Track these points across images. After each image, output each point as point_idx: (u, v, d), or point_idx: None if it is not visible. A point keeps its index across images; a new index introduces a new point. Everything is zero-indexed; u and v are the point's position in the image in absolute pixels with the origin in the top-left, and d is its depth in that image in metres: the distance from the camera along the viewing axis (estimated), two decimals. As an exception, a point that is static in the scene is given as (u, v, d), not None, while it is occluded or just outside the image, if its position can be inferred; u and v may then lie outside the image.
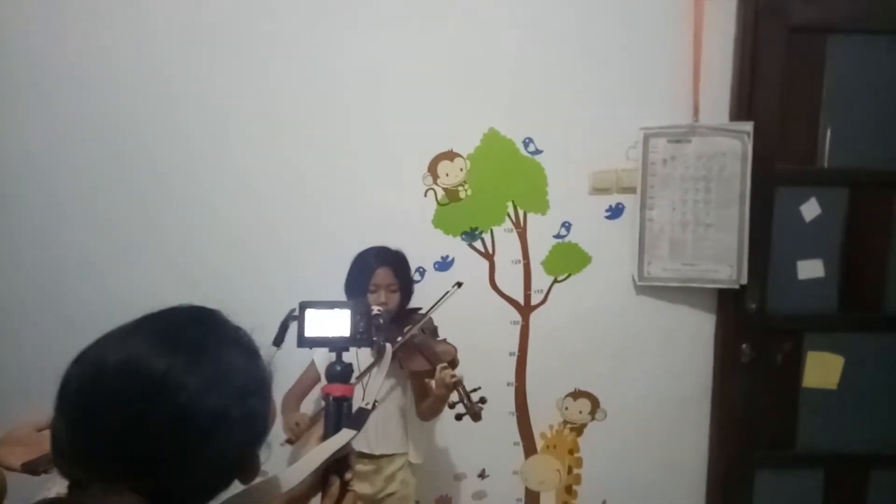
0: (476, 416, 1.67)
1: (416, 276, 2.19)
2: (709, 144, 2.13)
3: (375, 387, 1.83)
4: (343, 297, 1.99)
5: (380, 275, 1.88)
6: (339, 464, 0.92)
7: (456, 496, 2.33)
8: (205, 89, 2.16)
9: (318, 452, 0.88)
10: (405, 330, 1.85)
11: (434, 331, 1.94)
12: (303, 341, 1.00)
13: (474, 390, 1.72)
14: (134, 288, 2.15)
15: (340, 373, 0.99)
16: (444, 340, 1.91)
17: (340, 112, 2.16)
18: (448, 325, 2.02)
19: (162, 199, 2.21)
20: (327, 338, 1.00)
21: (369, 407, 1.00)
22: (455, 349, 1.86)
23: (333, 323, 0.99)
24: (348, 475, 0.93)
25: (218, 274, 2.20)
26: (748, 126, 2.11)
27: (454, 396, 1.71)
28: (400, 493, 1.94)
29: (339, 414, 0.96)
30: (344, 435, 0.93)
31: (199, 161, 2.19)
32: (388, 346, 1.11)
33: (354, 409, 0.99)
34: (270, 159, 2.18)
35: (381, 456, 1.92)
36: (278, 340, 1.00)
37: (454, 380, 1.68)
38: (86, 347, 0.68)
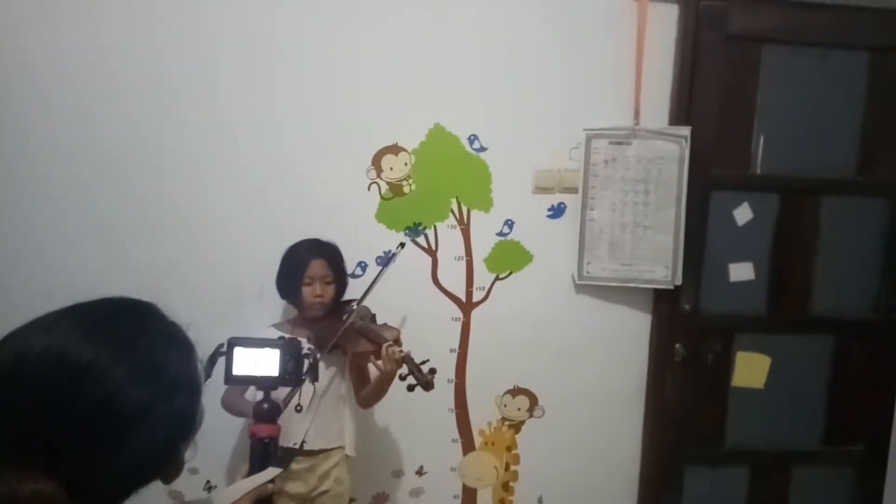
0: (428, 385, 1.68)
1: (358, 271, 2.17)
2: (648, 147, 2.18)
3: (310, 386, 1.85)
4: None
5: (314, 266, 1.86)
6: (265, 502, 0.93)
7: (393, 493, 2.31)
8: (148, 73, 2.08)
9: (242, 485, 0.88)
10: (343, 318, 1.83)
11: (373, 317, 1.93)
12: (230, 378, 1.00)
13: (423, 362, 1.72)
14: (73, 275, 2.06)
15: (267, 412, 1.00)
16: (385, 324, 1.91)
17: (284, 101, 2.11)
18: (389, 320, 2.01)
19: (105, 185, 2.12)
20: (255, 377, 0.99)
21: (296, 446, 1.01)
22: (398, 329, 1.86)
23: (262, 362, 0.99)
24: (271, 486, 0.93)
25: (158, 263, 2.13)
26: (686, 131, 2.17)
27: (405, 370, 1.71)
28: (334, 491, 1.91)
29: (266, 454, 0.98)
30: (269, 473, 0.93)
31: (142, 147, 2.11)
32: (317, 384, 1.11)
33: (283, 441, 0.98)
34: (212, 147, 2.12)
35: (319, 452, 1.89)
36: (205, 374, 0.99)
37: (402, 353, 1.68)
38: (10, 332, 0.65)
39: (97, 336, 0.64)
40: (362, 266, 2.18)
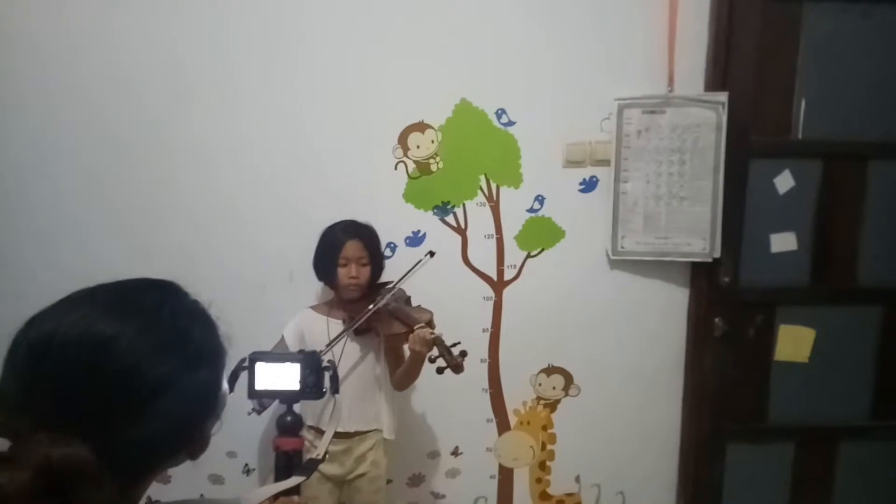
0: (458, 368, 1.66)
1: (388, 252, 2.14)
2: (683, 115, 2.10)
3: (344, 366, 1.84)
4: (313, 273, 1.94)
5: (349, 248, 1.83)
6: (287, 493, 0.96)
7: (429, 474, 2.30)
8: (164, 59, 2.07)
9: (268, 489, 0.92)
10: (379, 299, 1.82)
11: (407, 300, 1.92)
12: (253, 393, 1.02)
13: (454, 345, 1.69)
14: (90, 260, 2.07)
15: (290, 425, 1.01)
16: (419, 306, 1.88)
17: (307, 82, 2.09)
18: (420, 301, 1.98)
19: (121, 171, 2.12)
20: (277, 391, 1.00)
21: (320, 457, 1.00)
22: (431, 311, 1.84)
23: (283, 376, 1.00)
24: (297, 498, 0.96)
25: (185, 251, 2.13)
26: (723, 97, 2.08)
27: (435, 352, 1.69)
28: (371, 474, 1.91)
29: (290, 467, 0.99)
30: (293, 480, 0.97)
31: (159, 133, 2.10)
32: (338, 396, 1.11)
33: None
34: (233, 130, 2.10)
35: (354, 434, 1.88)
36: (228, 388, 0.99)
37: (433, 336, 1.66)
38: (41, 310, 0.68)
39: (122, 310, 0.66)
40: (391, 247, 2.15)
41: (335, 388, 1.05)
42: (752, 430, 2.31)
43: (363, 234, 1.87)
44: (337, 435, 1.87)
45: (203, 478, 2.25)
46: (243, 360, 1.01)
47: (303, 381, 1.01)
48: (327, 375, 1.04)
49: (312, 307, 1.95)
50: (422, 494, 2.30)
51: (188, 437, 0.71)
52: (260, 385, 1.01)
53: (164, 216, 2.14)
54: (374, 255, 1.89)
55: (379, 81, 2.08)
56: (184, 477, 2.06)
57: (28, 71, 2.07)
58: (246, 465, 2.27)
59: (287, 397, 1.02)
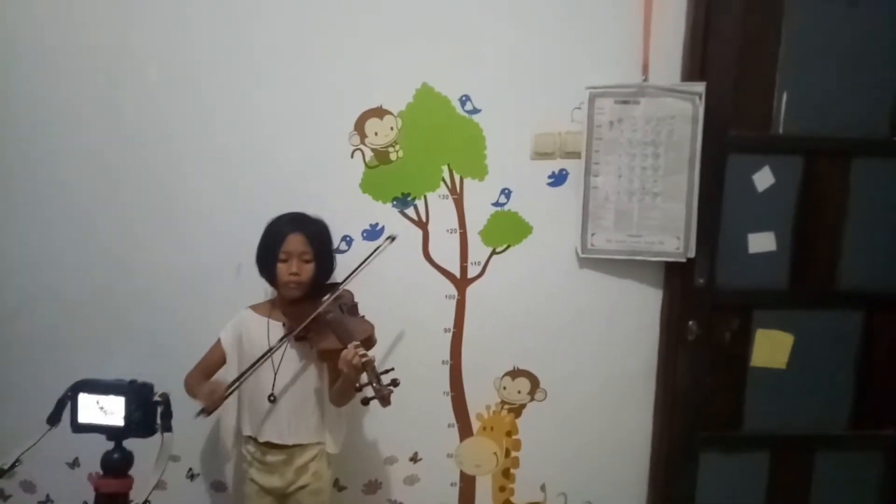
0: (384, 401, 1.52)
1: (343, 246, 2.02)
2: (658, 106, 1.98)
3: (285, 374, 1.71)
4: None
5: (291, 241, 1.69)
6: None
7: (386, 481, 2.18)
8: (118, 42, 1.95)
9: None
10: (320, 303, 1.68)
11: (353, 307, 1.77)
12: (76, 426, 0.87)
13: (386, 371, 1.56)
14: (41, 250, 1.96)
15: (115, 463, 0.86)
16: (363, 318, 1.74)
17: (259, 62, 1.96)
18: (378, 299, 1.87)
19: (74, 159, 2.01)
20: (101, 425, 0.86)
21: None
22: (372, 327, 1.70)
23: (108, 409, 0.87)
24: None
25: (130, 240, 2.03)
26: (700, 87, 1.97)
27: (364, 378, 1.55)
28: (313, 486, 1.77)
29: None
30: None
31: (112, 118, 1.99)
32: (169, 435, 0.96)
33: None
34: (185, 114, 1.98)
35: (294, 446, 1.76)
36: (53, 418, 0.87)
37: (363, 359, 1.52)
38: None
39: None
40: (347, 241, 2.03)
41: (166, 426, 0.91)
42: (726, 438, 2.21)
43: (309, 227, 1.73)
44: (276, 446, 1.75)
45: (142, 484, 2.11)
46: (69, 390, 0.88)
47: (127, 418, 0.88)
48: (159, 411, 0.90)
49: (252, 307, 1.82)
50: (379, 501, 2.18)
51: None
52: (83, 418, 0.88)
53: (111, 206, 2.02)
54: (320, 251, 1.74)
55: (335, 64, 1.96)
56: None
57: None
58: (190, 469, 2.14)
59: (112, 434, 0.88)
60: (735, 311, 2.13)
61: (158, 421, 0.89)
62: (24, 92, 1.98)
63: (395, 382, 1.54)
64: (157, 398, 0.90)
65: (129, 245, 2.01)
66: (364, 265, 1.76)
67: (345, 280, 1.74)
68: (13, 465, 0.83)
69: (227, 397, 1.65)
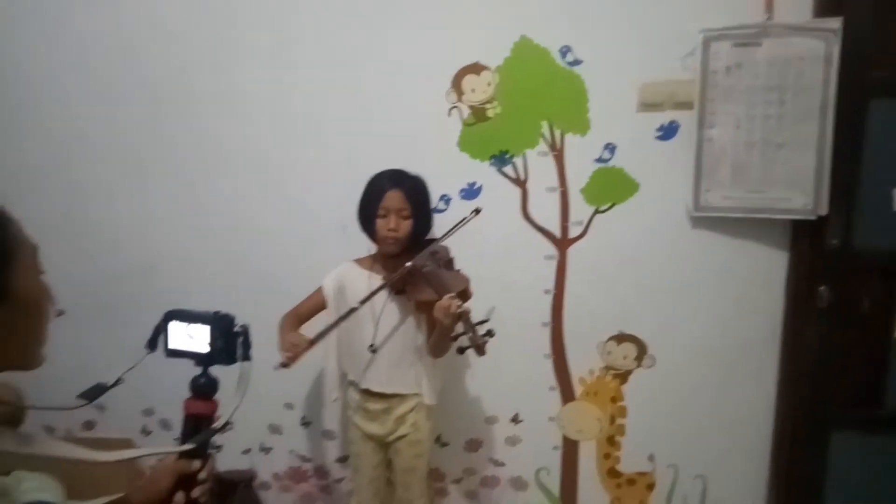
0: (479, 350, 1.53)
1: (441, 205, 2.03)
2: (784, 47, 1.79)
3: (385, 326, 1.76)
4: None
5: (390, 198, 1.72)
6: (189, 482, 0.92)
7: (488, 440, 2.19)
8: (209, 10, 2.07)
9: (132, 452, 0.88)
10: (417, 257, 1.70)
11: (449, 262, 1.78)
12: (167, 352, 0.96)
13: (481, 322, 1.55)
14: (147, 214, 2.19)
15: (202, 387, 0.92)
16: (459, 272, 1.75)
17: (355, 23, 2.00)
18: (475, 260, 1.86)
19: (158, 126, 2.19)
20: (189, 351, 0.95)
21: (218, 427, 0.93)
22: (468, 280, 1.69)
23: (195, 336, 0.94)
24: (196, 492, 0.91)
25: (236, 201, 2.17)
26: (835, 23, 1.74)
27: (460, 328, 1.56)
28: (411, 437, 1.82)
29: (197, 432, 0.93)
30: (168, 448, 0.92)
31: (196, 84, 2.13)
32: (248, 364, 1.00)
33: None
34: (278, 77, 2.08)
35: (393, 395, 1.81)
36: (151, 343, 0.95)
37: (459, 309, 1.53)
38: None
39: None
40: (445, 199, 2.04)
41: (244, 356, 0.96)
42: (863, 417, 1.97)
43: (406, 183, 1.75)
44: (376, 395, 1.81)
45: (263, 426, 2.29)
46: (163, 318, 0.96)
47: (212, 345, 0.94)
48: (239, 341, 0.96)
49: (356, 260, 1.88)
50: (480, 460, 2.21)
51: None
52: (173, 344, 0.96)
53: (218, 169, 2.17)
54: (418, 208, 1.75)
55: (430, 19, 1.95)
56: (243, 424, 2.13)
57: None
58: (303, 416, 2.28)
59: (199, 359, 0.95)
60: (876, 276, 1.89)
61: (239, 350, 0.96)
62: (151, 76, 2.17)
63: (490, 333, 1.54)
64: (237, 329, 0.96)
65: (244, 207, 2.16)
66: (451, 233, 1.73)
67: (441, 237, 1.74)
68: (116, 383, 0.93)
69: (309, 349, 1.69)
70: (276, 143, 2.12)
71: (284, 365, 1.67)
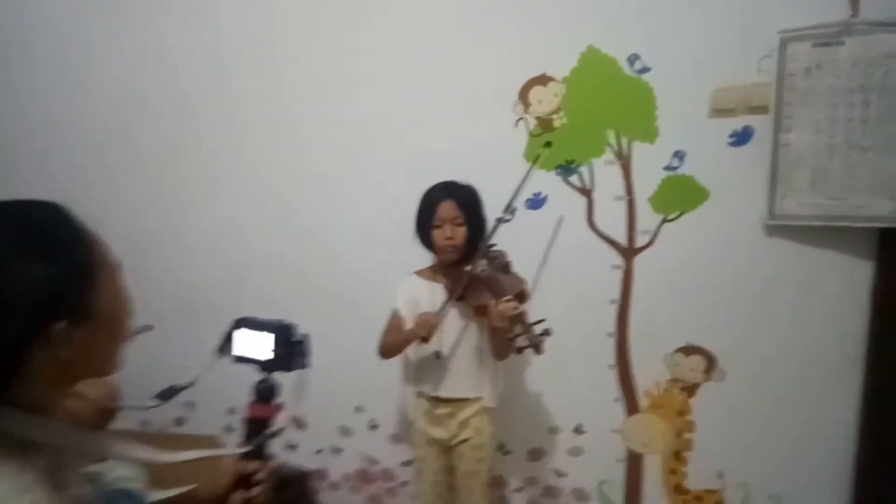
0: (537, 349, 1.58)
1: (507, 216, 2.02)
2: (869, 45, 1.69)
3: (448, 332, 1.80)
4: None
5: (444, 208, 1.78)
6: (247, 481, 0.94)
7: (551, 450, 2.18)
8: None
9: (196, 452, 0.89)
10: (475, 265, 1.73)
11: (506, 266, 1.80)
12: (231, 358, 1.01)
13: (538, 322, 1.58)
14: (227, 222, 2.30)
15: (264, 392, 0.97)
16: (515, 274, 1.77)
17: (423, 34, 2.03)
18: (540, 269, 1.85)
19: (245, 127, 2.31)
20: (252, 359, 0.99)
21: (274, 431, 0.96)
22: (524, 281, 1.72)
23: (258, 344, 0.98)
24: (255, 491, 0.93)
25: (315, 218, 2.26)
26: (927, 18, 1.63)
27: (518, 329, 1.60)
28: (474, 441, 1.85)
29: (257, 435, 0.96)
30: (229, 449, 0.95)
31: (288, 101, 2.23)
32: (306, 371, 1.04)
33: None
34: (354, 96, 2.15)
35: (457, 400, 1.84)
36: (221, 349, 1.01)
37: (515, 312, 1.55)
38: None
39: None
40: (511, 210, 2.03)
41: (302, 364, 0.99)
42: (958, 441, 1.84)
43: (457, 193, 1.80)
44: (443, 400, 1.85)
45: (333, 429, 2.36)
46: (231, 325, 1.01)
47: (275, 352, 0.98)
48: (299, 349, 0.99)
49: (417, 272, 1.92)
50: (542, 470, 2.19)
51: (30, 330, 0.67)
52: (237, 350, 1.00)
53: (301, 186, 2.27)
54: (471, 215, 1.80)
55: (498, 31, 1.97)
56: (316, 426, 2.21)
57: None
58: (372, 419, 2.34)
59: (262, 365, 0.99)
60: (974, 289, 1.76)
61: (298, 359, 1.00)
62: (231, 88, 2.28)
63: (547, 332, 1.57)
64: (298, 338, 1.00)
65: (320, 214, 2.24)
66: (488, 237, 1.77)
67: (481, 243, 1.77)
68: (188, 385, 0.99)
69: (441, 321, 1.74)
70: (345, 157, 2.20)
71: (424, 339, 1.73)
